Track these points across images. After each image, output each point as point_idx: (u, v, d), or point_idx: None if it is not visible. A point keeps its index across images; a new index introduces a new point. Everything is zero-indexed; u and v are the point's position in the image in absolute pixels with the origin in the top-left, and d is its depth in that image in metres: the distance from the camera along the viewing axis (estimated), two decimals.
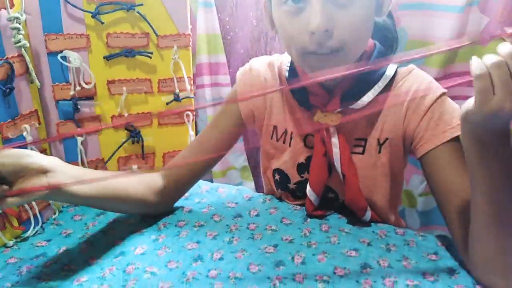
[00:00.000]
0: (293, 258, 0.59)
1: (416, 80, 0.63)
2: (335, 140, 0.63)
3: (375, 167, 0.65)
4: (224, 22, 1.11)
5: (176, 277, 0.56)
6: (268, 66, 0.71)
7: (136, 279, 0.56)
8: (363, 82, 0.61)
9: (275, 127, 0.71)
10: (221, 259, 0.59)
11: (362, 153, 0.65)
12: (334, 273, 0.56)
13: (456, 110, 0.60)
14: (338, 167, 0.64)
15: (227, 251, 0.61)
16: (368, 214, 0.66)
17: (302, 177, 0.69)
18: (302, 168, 0.69)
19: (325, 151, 0.64)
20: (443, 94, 0.61)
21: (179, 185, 0.70)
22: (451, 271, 0.55)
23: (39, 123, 0.68)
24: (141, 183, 0.66)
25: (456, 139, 0.58)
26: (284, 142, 0.70)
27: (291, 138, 0.69)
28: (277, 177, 0.72)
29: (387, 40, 0.66)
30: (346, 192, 0.65)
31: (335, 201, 0.69)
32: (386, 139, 0.64)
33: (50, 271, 0.58)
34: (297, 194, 0.72)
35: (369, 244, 0.61)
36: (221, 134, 0.71)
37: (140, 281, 0.55)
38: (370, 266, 0.57)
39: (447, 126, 0.58)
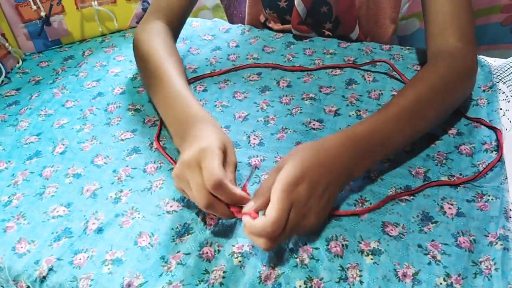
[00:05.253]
0: (278, 82, 0.58)
1: None
2: None
3: None
4: None
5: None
6: None
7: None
8: None
9: None
10: (204, 90, 0.58)
11: None
12: (320, 91, 0.56)
13: None
14: None
15: (209, 83, 0.59)
16: (357, 29, 0.63)
17: None
18: None
19: None
20: None
21: (174, 27, 0.59)
22: None
23: None
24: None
25: None
26: None
27: None
28: None
29: None
30: (340, 3, 0.61)
31: (328, 18, 0.65)
32: None
33: (27, 117, 0.56)
34: (286, 17, 0.66)
35: (354, 62, 0.60)
36: None
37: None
38: (355, 82, 0.57)
39: None
